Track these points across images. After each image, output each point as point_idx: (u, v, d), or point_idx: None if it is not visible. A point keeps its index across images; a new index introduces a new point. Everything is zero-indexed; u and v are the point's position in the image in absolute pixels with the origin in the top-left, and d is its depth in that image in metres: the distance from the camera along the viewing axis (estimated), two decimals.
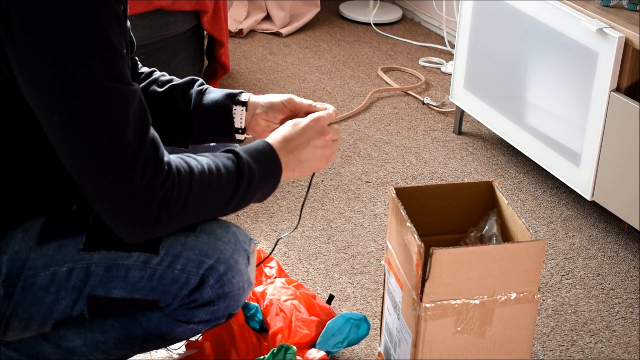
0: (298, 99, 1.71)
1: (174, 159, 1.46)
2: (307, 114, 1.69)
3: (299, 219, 1.85)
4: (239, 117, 1.71)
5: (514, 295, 1.71)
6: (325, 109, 1.69)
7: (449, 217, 1.90)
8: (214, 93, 1.73)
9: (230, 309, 1.57)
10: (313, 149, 1.61)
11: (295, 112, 1.71)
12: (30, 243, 1.51)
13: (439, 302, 1.69)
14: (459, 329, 1.72)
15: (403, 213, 1.74)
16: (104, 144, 1.37)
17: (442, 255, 1.65)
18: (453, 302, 1.69)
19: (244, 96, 1.72)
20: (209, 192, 1.48)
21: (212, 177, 1.48)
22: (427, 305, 1.68)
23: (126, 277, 1.51)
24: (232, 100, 1.71)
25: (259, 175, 1.53)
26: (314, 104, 1.70)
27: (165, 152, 1.45)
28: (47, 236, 1.52)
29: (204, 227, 1.54)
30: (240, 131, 1.72)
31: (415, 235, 1.67)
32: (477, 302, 1.70)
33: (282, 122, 1.71)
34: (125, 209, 1.40)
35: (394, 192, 1.81)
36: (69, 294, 1.51)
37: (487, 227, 1.83)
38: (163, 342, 1.62)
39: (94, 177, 1.39)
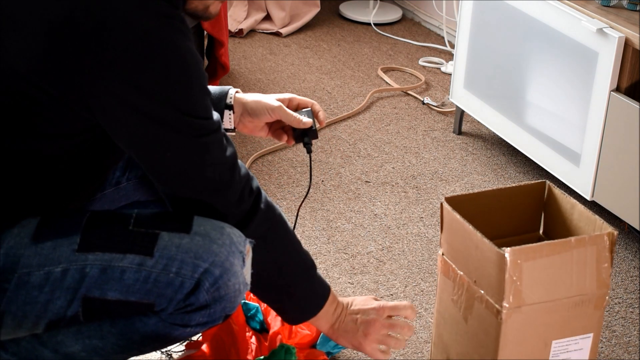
0: (286, 111, 1.75)
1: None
2: (293, 128, 1.78)
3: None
4: (228, 119, 1.75)
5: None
6: (307, 105, 1.78)
7: (501, 221, 1.86)
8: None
9: (226, 311, 1.56)
10: (356, 326, 1.73)
11: (281, 121, 1.77)
12: (25, 239, 1.50)
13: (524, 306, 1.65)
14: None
15: (470, 227, 1.67)
16: (214, 179, 1.52)
17: (526, 258, 1.61)
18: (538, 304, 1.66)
19: (229, 97, 1.75)
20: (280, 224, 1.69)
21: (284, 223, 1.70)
22: (511, 310, 1.64)
23: (121, 279, 1.50)
24: (225, 102, 1.75)
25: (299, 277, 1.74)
26: (303, 119, 1.76)
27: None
28: (42, 235, 1.51)
29: (198, 229, 1.53)
30: (229, 131, 1.76)
31: (494, 246, 1.62)
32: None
33: (268, 125, 1.79)
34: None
35: (446, 202, 1.74)
36: (64, 295, 1.51)
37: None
38: (161, 345, 1.61)
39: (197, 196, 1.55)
